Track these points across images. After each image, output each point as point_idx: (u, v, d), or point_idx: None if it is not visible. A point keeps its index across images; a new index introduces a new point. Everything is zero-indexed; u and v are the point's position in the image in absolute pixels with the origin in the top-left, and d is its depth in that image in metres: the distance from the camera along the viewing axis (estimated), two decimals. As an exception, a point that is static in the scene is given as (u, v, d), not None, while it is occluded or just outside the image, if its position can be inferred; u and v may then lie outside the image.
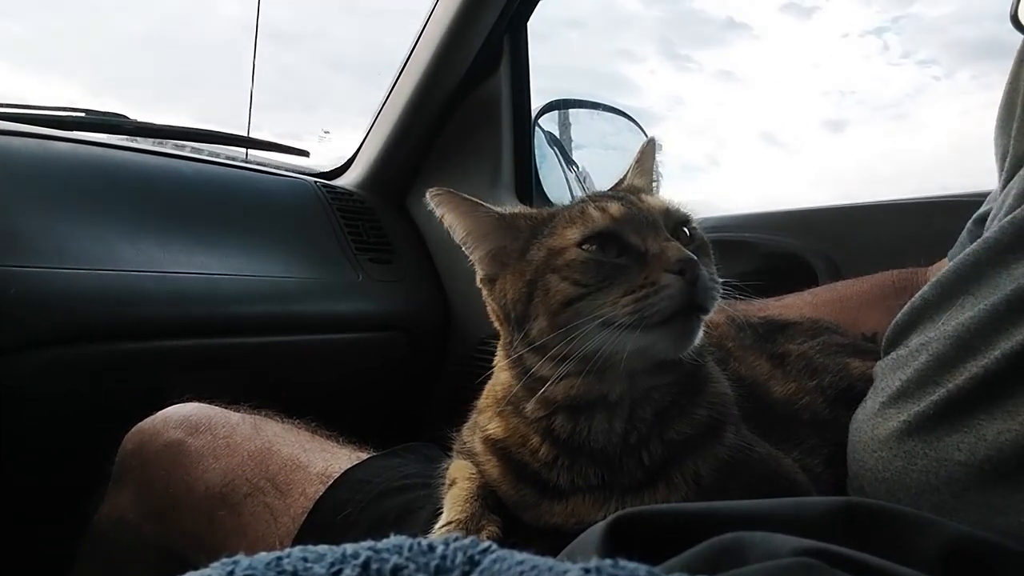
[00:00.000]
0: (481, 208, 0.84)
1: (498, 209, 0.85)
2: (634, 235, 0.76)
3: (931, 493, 0.70)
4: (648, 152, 0.96)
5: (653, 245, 0.75)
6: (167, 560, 1.03)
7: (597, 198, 0.83)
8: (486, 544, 0.44)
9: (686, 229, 0.82)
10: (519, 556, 0.42)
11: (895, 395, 0.80)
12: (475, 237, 0.86)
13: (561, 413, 0.79)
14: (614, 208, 0.78)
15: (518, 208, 0.88)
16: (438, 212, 0.85)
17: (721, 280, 0.77)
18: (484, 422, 0.87)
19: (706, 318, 0.75)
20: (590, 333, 0.73)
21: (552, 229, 0.81)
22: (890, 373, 0.84)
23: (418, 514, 0.89)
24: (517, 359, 0.81)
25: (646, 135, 0.95)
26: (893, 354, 0.87)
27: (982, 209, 1.06)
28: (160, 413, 1.11)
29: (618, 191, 0.88)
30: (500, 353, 0.88)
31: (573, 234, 0.78)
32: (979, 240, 0.81)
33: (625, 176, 0.95)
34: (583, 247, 0.77)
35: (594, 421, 0.78)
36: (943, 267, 1.13)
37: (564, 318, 0.75)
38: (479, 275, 0.88)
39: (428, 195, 0.84)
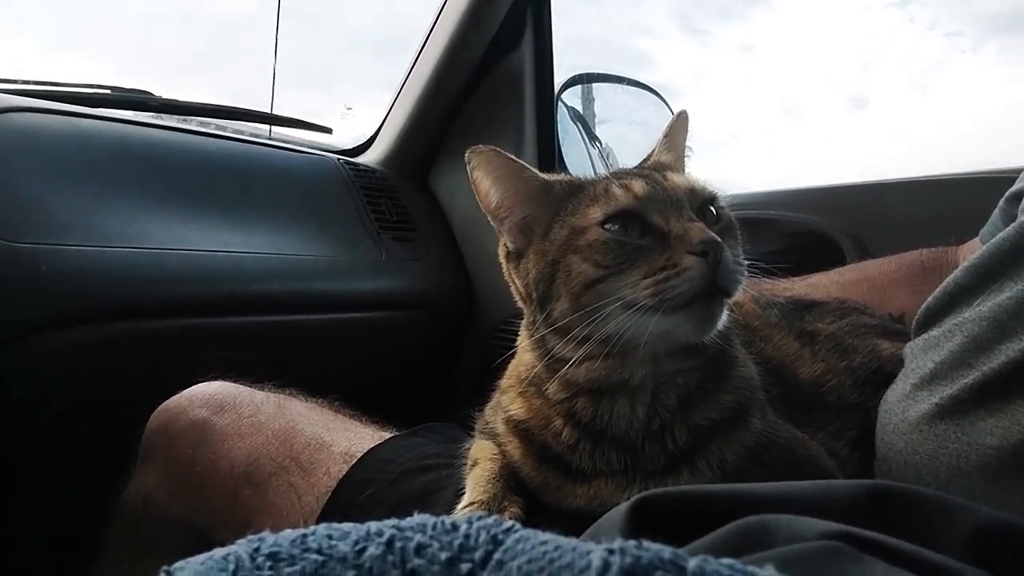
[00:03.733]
0: (528, 171, 0.83)
1: (543, 175, 0.84)
2: (657, 215, 0.75)
3: (961, 477, 0.69)
4: (677, 127, 0.92)
5: (676, 226, 0.73)
6: (193, 537, 1.05)
7: (621, 175, 0.81)
8: (509, 523, 0.44)
9: (712, 208, 0.80)
10: (542, 536, 0.42)
11: (927, 377, 0.78)
12: (512, 203, 0.84)
13: (583, 396, 0.79)
14: (637, 187, 0.77)
15: (559, 175, 0.86)
16: (476, 174, 0.83)
17: (747, 260, 0.76)
18: (506, 402, 0.87)
19: (730, 301, 0.74)
20: (611, 315, 0.72)
21: (575, 207, 0.80)
22: (922, 355, 0.83)
23: (440, 494, 0.90)
24: (540, 339, 0.81)
25: (671, 110, 0.92)
26: (925, 335, 0.85)
27: (1016, 187, 1.04)
28: (185, 392, 1.12)
29: (644, 168, 0.86)
30: (523, 333, 0.88)
31: (595, 213, 0.77)
32: (1016, 224, 0.79)
33: (652, 153, 0.93)
34: (605, 227, 0.75)
35: (616, 405, 0.78)
36: (974, 246, 1.11)
37: (586, 300, 0.74)
38: (504, 250, 0.87)
39: (469, 153, 0.82)
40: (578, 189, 0.81)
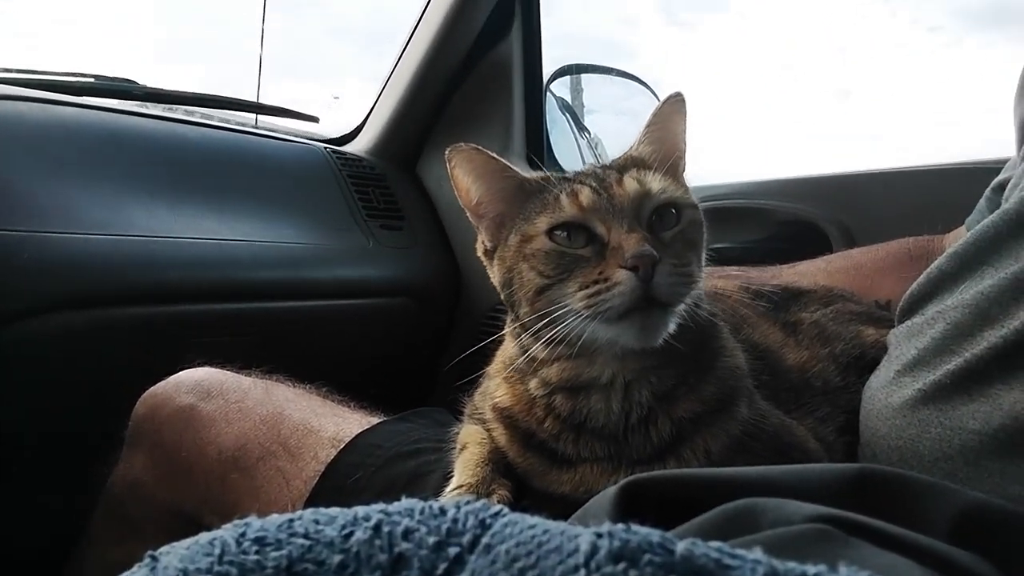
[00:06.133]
0: (509, 171, 0.82)
1: (523, 174, 0.83)
2: (601, 224, 0.75)
3: (944, 461, 0.70)
4: (666, 113, 0.86)
5: (615, 237, 0.73)
6: (180, 522, 1.04)
7: (576, 179, 0.80)
8: (497, 508, 0.44)
9: (674, 210, 0.78)
10: (531, 520, 0.42)
11: (910, 363, 0.79)
12: (489, 201, 0.84)
13: (559, 393, 0.80)
14: (584, 195, 0.76)
15: (536, 174, 0.86)
16: (456, 172, 0.83)
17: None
18: (492, 388, 0.87)
19: (674, 311, 0.73)
20: (562, 319, 0.72)
21: (529, 213, 0.80)
22: (905, 341, 0.83)
23: (429, 478, 0.90)
24: (517, 337, 0.82)
25: (658, 99, 0.89)
26: (908, 322, 0.86)
27: (1000, 176, 1.05)
28: (172, 378, 1.12)
29: (613, 165, 0.84)
30: (507, 320, 0.88)
31: (542, 223, 0.77)
32: (998, 212, 0.79)
33: (633, 144, 0.89)
34: (553, 234, 0.76)
35: (591, 401, 0.78)
36: (960, 235, 1.11)
37: (540, 305, 0.75)
38: (482, 247, 0.87)
39: (449, 151, 0.82)
40: (539, 191, 0.81)
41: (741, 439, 0.78)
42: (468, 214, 0.87)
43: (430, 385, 2.11)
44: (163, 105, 1.94)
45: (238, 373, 1.13)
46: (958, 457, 0.69)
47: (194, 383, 1.10)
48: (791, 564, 0.36)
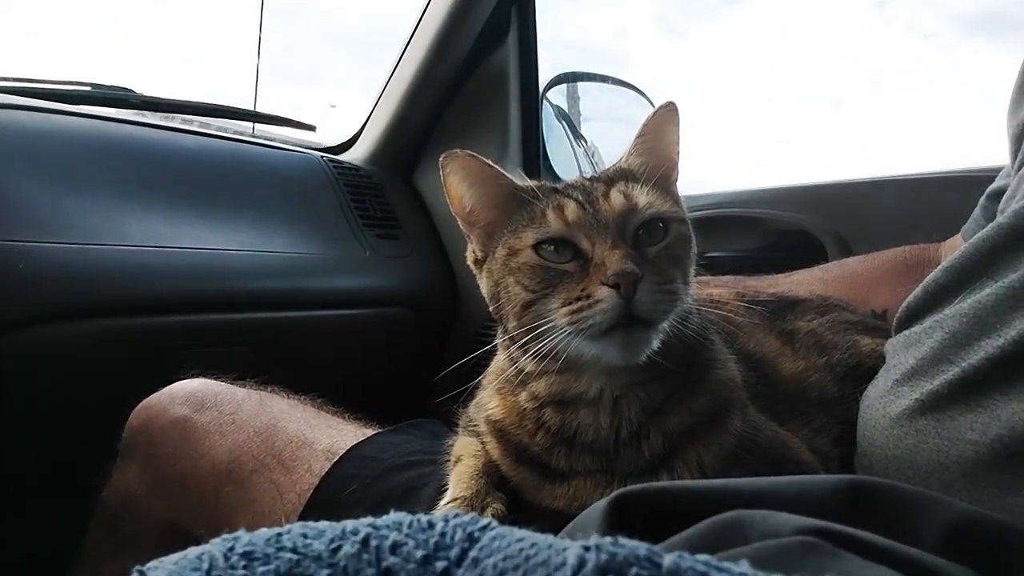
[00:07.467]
0: (504, 178, 0.82)
1: (518, 182, 0.83)
2: (586, 240, 0.74)
3: (941, 472, 0.70)
4: (658, 123, 0.85)
5: (599, 253, 0.73)
6: (174, 535, 1.04)
7: (563, 192, 0.80)
8: (486, 521, 0.44)
9: (661, 224, 0.78)
10: (519, 533, 0.42)
11: (908, 373, 0.79)
12: (482, 208, 0.84)
13: (548, 407, 0.79)
14: (569, 210, 0.76)
15: (530, 183, 0.85)
16: (450, 179, 0.83)
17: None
18: (485, 400, 0.87)
19: (657, 327, 0.73)
20: (548, 334, 0.72)
21: (516, 226, 0.79)
22: (903, 351, 0.83)
23: (423, 491, 0.90)
24: (507, 349, 0.82)
25: (653, 106, 0.88)
26: (906, 332, 0.86)
27: (995, 184, 1.05)
28: (166, 389, 1.12)
29: (600, 177, 0.84)
30: (499, 331, 0.88)
31: (529, 237, 0.77)
32: (993, 225, 0.79)
33: (624, 154, 0.89)
34: (539, 249, 0.76)
35: (580, 416, 0.78)
36: (956, 243, 1.12)
37: (526, 319, 0.75)
38: (472, 256, 0.87)
39: (444, 157, 0.82)
40: (529, 201, 0.80)
41: (735, 451, 0.78)
42: (460, 222, 0.86)
43: (426, 395, 2.10)
44: (160, 114, 1.94)
45: (232, 384, 1.13)
46: (955, 468, 0.69)
47: (188, 394, 1.09)
48: (777, 577, 0.36)
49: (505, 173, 0.83)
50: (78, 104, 1.69)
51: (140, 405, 1.12)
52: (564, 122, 2.32)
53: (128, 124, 1.70)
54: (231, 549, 0.43)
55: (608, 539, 0.38)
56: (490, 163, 0.82)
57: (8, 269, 1.26)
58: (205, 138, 1.85)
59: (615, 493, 0.54)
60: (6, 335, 1.27)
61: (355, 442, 1.00)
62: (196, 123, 2.02)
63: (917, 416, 0.74)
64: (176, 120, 1.97)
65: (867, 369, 0.93)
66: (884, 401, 0.81)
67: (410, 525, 0.43)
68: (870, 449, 0.81)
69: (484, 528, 0.43)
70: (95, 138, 1.58)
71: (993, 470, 0.66)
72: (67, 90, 1.73)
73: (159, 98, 1.92)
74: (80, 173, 1.49)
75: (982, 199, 1.07)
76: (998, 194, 1.00)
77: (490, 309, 0.84)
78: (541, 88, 2.18)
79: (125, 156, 1.60)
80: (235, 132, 2.09)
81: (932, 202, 1.55)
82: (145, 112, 1.89)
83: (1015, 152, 0.96)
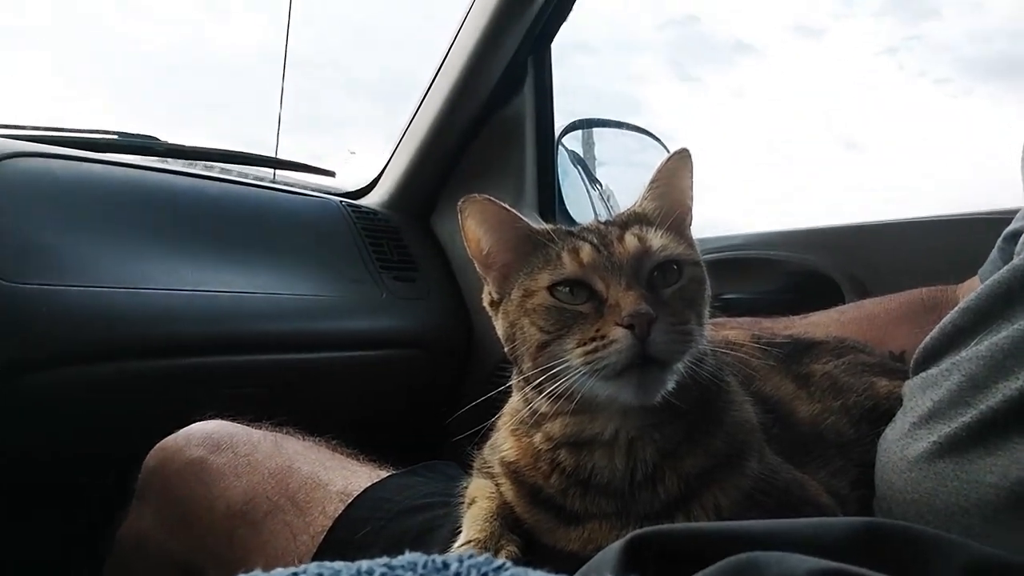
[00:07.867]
0: (520, 222, 0.83)
1: (534, 226, 0.84)
2: (600, 281, 0.75)
3: (961, 515, 0.69)
4: (671, 169, 0.86)
5: (613, 294, 0.73)
6: (189, 576, 1.04)
7: (579, 235, 0.81)
8: (500, 562, 0.44)
9: (675, 266, 0.78)
10: (534, 574, 0.42)
11: (926, 415, 0.78)
12: (498, 251, 0.85)
13: (563, 448, 0.79)
14: (585, 253, 0.77)
15: (547, 226, 0.86)
16: (468, 222, 0.83)
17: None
18: (500, 442, 0.87)
19: (672, 368, 0.73)
20: (563, 375, 0.72)
21: (532, 268, 0.80)
22: (920, 393, 0.82)
23: (437, 533, 0.89)
24: (521, 390, 0.82)
25: (668, 151, 0.89)
26: (923, 373, 0.85)
27: (1012, 226, 1.05)
28: (182, 431, 1.12)
29: (615, 220, 0.85)
30: (514, 372, 0.88)
31: (544, 279, 0.78)
32: (1008, 267, 0.79)
33: (638, 199, 0.89)
34: (555, 290, 0.76)
35: (595, 457, 0.78)
36: (973, 285, 1.11)
37: (541, 360, 0.75)
38: (488, 298, 0.88)
39: (462, 202, 0.83)
40: (545, 244, 0.81)
41: (751, 494, 0.77)
42: (476, 265, 0.87)
43: (441, 437, 2.09)
44: (184, 160, 1.98)
45: (248, 425, 1.14)
46: (975, 511, 0.68)
47: (204, 435, 1.10)
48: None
49: (521, 217, 0.84)
50: (105, 152, 1.72)
51: (157, 446, 1.12)
52: (579, 167, 2.34)
53: (153, 171, 1.73)
54: (247, 589, 0.43)
55: (621, 580, 0.38)
56: (507, 207, 0.83)
57: (33, 312, 1.28)
58: (228, 184, 1.89)
59: (630, 535, 0.53)
60: (28, 375, 1.28)
61: (369, 484, 1.00)
62: (219, 169, 2.06)
63: (935, 459, 0.74)
64: (199, 167, 2.01)
65: (884, 411, 0.92)
66: (902, 444, 0.80)
67: (425, 565, 0.43)
68: (888, 492, 0.80)
69: (499, 569, 0.43)
70: (121, 185, 1.61)
71: (1014, 514, 0.65)
72: (95, 138, 1.77)
73: (183, 146, 1.95)
74: (106, 218, 1.52)
75: (999, 241, 1.07)
76: (1015, 236, 1.00)
77: (505, 350, 0.84)
78: (557, 134, 2.21)
79: (150, 202, 1.63)
80: (257, 178, 2.12)
81: (948, 244, 1.54)
82: (169, 159, 1.93)
83: None
